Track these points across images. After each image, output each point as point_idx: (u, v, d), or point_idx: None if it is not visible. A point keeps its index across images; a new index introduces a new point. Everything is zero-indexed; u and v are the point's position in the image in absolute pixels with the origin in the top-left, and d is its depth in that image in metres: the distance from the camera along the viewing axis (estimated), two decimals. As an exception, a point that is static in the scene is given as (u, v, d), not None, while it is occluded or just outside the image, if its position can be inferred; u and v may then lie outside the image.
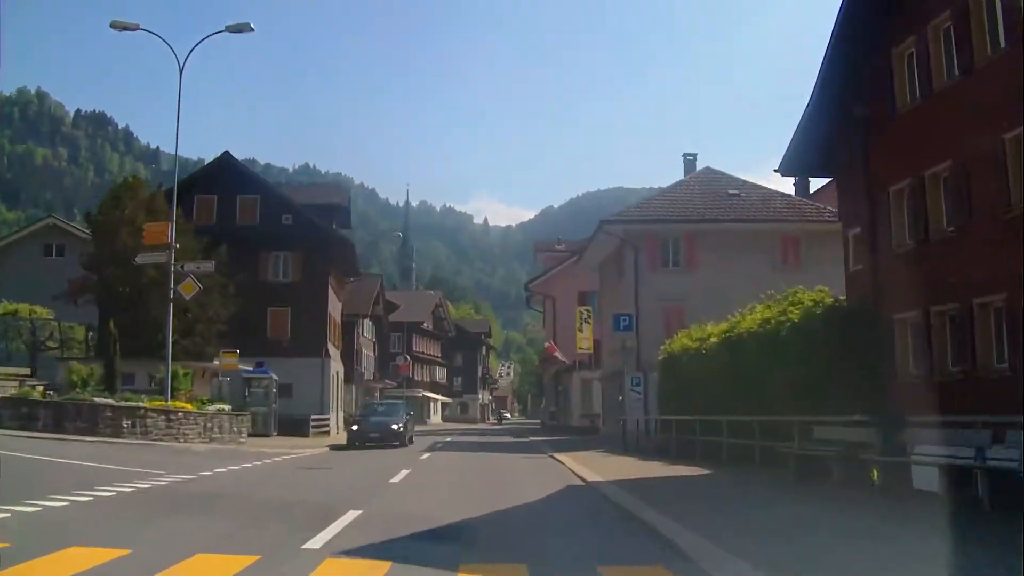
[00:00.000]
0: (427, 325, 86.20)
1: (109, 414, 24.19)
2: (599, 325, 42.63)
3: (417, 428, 64.18)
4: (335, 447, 29.69)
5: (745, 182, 35.63)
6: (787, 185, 37.87)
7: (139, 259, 27.79)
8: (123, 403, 24.80)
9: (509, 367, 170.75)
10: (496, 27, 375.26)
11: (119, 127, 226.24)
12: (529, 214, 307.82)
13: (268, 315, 40.59)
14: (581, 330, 42.38)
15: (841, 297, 19.72)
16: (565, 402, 46.40)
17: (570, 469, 19.19)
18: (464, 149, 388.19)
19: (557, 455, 24.18)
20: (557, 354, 43.74)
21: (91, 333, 36.34)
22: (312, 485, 15.85)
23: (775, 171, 21.03)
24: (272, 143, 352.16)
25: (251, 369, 35.60)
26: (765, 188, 35.34)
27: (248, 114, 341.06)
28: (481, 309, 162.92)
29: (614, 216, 33.58)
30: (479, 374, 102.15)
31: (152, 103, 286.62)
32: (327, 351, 41.26)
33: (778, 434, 17.46)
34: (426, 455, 25.81)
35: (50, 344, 38.63)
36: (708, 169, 36.60)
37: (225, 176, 41.50)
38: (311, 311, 41.01)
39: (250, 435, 33.98)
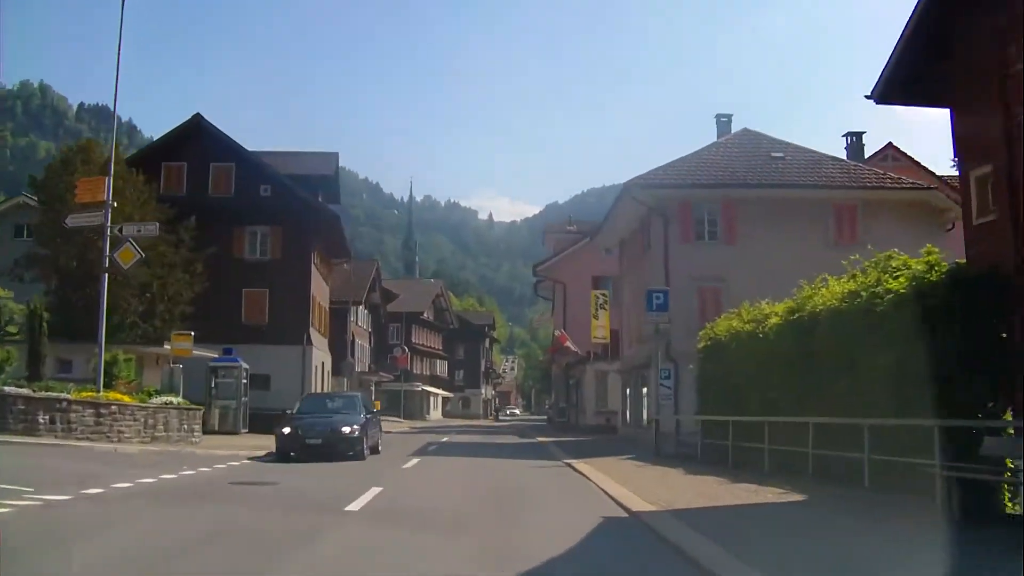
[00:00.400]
0: (427, 316, 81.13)
1: (21, 407, 19.22)
2: (617, 311, 37.69)
3: (415, 425, 59.22)
4: (257, 459, 20.28)
5: (789, 144, 30.57)
6: (838, 149, 32.87)
7: (70, 220, 22.78)
8: (41, 394, 19.83)
9: (513, 362, 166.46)
10: (498, 20, 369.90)
11: (122, 120, 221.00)
12: (534, 210, 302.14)
13: (243, 297, 35.66)
14: (596, 317, 37.37)
15: (959, 260, 14.66)
16: (577, 398, 41.24)
17: (599, 486, 14.17)
18: (468, 144, 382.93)
19: (575, 463, 19.20)
20: (569, 344, 38.70)
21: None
22: (220, 517, 10.77)
23: (866, 97, 15.87)
24: (274, 137, 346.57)
25: (218, 357, 30.69)
26: (814, 152, 30.26)
27: (250, 108, 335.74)
28: (485, 303, 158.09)
29: (641, 177, 28.36)
30: (482, 368, 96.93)
31: (155, 96, 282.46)
32: (309, 338, 36.25)
33: (885, 442, 12.54)
34: (413, 461, 20.79)
35: (10, 329, 33.90)
36: (746, 131, 31.51)
37: (197, 142, 36.50)
38: (292, 293, 36.03)
39: (216, 432, 29.16)
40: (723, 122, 33.07)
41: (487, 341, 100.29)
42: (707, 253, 27.40)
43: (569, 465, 19.18)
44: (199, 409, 24.63)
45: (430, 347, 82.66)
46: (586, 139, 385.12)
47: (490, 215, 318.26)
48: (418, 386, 76.83)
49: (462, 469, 19.47)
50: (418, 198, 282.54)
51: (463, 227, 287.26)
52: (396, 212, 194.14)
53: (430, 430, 47.24)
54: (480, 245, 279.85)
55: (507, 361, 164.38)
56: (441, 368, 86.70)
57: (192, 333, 25.53)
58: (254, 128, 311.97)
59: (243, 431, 29.95)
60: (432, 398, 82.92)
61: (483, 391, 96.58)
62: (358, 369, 58.81)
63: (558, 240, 47.78)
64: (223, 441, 25.58)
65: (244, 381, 30.65)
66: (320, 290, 40.33)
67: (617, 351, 35.86)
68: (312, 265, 36.95)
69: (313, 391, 36.64)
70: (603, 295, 37.85)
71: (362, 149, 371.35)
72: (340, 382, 49.99)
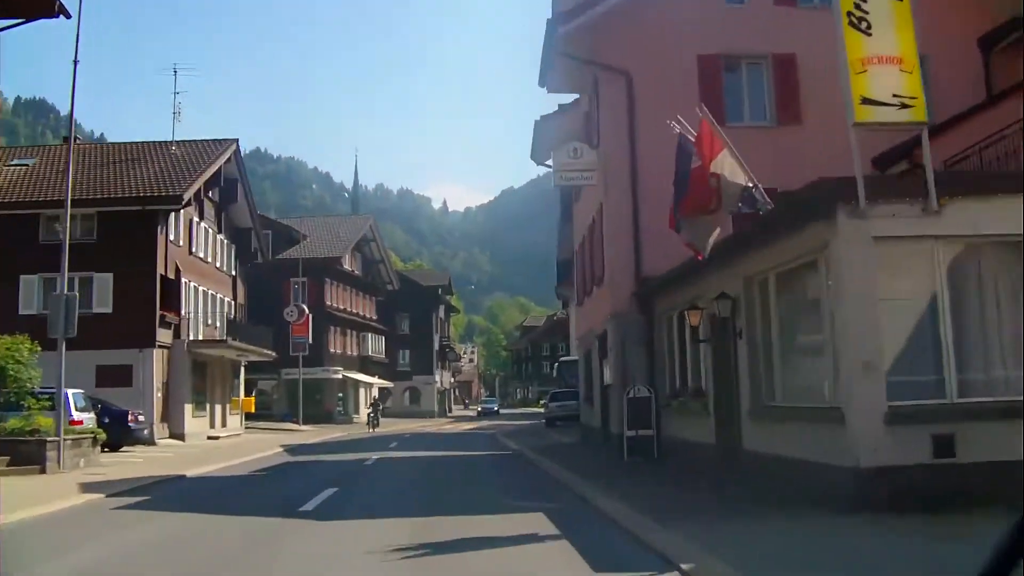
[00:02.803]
0: (350, 267, 51.82)
1: None
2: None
3: (310, 440, 28.89)
4: None
5: None
6: None
7: None
8: None
9: (473, 351, 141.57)
10: (446, 13, 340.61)
11: (61, 114, 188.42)
12: (488, 197, 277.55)
13: None
14: (865, 28, 8.83)
15: None
16: (730, 368, 11.88)
17: None
18: (421, 132, 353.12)
19: None
20: (729, 169, 10.27)
21: None
22: None
23: None
24: (219, 127, 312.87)
25: None
26: None
27: (196, 94, 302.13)
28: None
29: None
30: (435, 347, 67.57)
31: (93, 87, 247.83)
32: None
33: None
34: None
35: None
36: None
37: None
38: None
39: None
40: None
41: (442, 309, 70.43)
42: None
43: None
44: None
45: (357, 315, 53.19)
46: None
47: (444, 203, 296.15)
48: (337, 372, 47.67)
49: None
50: (370, 187, 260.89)
51: (417, 215, 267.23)
52: (346, 195, 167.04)
53: (316, 458, 18.80)
54: (434, 233, 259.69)
55: (466, 349, 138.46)
56: (375, 346, 57.18)
57: None
58: (197, 119, 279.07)
59: None
60: (363, 389, 53.79)
61: (438, 379, 67.12)
62: (196, 335, 29.61)
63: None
64: None
65: None
66: None
67: None
68: None
69: None
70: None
71: (311, 140, 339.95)
72: (143, 359, 20.98)
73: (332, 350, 48.09)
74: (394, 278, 59.02)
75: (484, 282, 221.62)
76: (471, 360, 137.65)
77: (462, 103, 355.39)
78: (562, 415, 33.79)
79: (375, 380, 55.41)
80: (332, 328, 48.42)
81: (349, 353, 51.43)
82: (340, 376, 47.95)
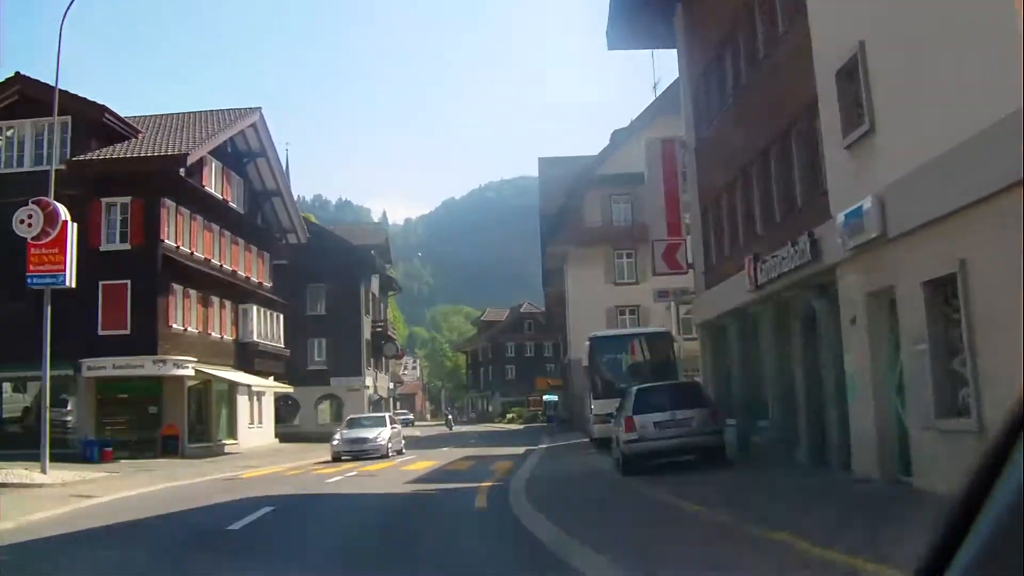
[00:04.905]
0: (219, 191, 29.92)
1: None
2: None
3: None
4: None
5: None
6: None
7: None
8: None
9: (415, 362, 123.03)
10: (387, 20, 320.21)
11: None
12: (430, 207, 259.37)
13: None
14: None
15: None
16: None
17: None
18: (361, 144, 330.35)
19: None
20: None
21: None
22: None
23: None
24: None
25: None
26: None
27: (135, 104, 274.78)
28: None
29: None
30: (366, 335, 45.20)
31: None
32: None
33: None
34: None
35: None
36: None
37: None
38: None
39: None
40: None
41: (375, 281, 47.99)
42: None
43: None
44: None
45: (231, 273, 30.88)
46: (480, 134, 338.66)
47: (384, 214, 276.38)
48: (184, 366, 25.71)
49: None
50: (308, 197, 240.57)
51: (356, 226, 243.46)
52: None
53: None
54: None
55: (408, 366, 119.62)
56: (268, 329, 34.36)
57: None
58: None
59: None
60: (244, 399, 31.83)
61: (370, 382, 44.89)
62: None
63: None
64: None
65: None
66: None
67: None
68: None
69: None
70: None
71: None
72: None
73: (176, 326, 26.07)
74: (299, 226, 36.82)
75: (425, 293, 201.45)
76: (414, 367, 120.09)
77: (403, 113, 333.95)
78: (668, 445, 12.90)
79: (267, 383, 33.38)
80: (178, 289, 26.42)
81: (214, 335, 29.32)
82: (190, 372, 25.95)
